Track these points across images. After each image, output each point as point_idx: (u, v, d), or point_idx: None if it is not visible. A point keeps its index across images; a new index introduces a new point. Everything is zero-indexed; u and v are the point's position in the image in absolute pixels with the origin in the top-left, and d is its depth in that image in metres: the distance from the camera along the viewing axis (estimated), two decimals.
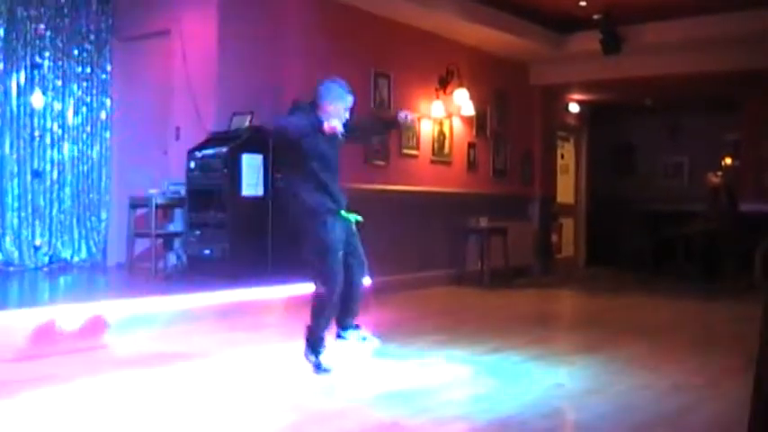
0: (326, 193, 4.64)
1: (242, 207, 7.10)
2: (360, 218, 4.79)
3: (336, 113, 4.67)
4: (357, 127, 4.99)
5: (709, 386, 4.46)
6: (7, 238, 7.75)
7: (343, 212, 4.68)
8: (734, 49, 9.60)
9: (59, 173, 8.19)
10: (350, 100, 4.78)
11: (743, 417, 2.59)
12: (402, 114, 4.97)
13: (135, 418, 3.66)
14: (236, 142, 7.14)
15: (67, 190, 8.25)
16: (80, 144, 8.37)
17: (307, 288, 5.98)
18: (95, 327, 5.16)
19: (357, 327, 4.91)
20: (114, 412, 3.74)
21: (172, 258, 7.63)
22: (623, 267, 12.46)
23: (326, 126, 4.52)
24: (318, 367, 4.57)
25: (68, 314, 5.09)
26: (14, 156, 7.84)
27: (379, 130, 5.62)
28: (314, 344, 4.60)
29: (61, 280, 7.49)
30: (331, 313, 4.68)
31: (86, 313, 5.16)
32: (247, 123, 7.38)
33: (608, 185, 13.89)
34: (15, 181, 7.84)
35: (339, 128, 4.55)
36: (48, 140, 8.10)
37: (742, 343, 3.45)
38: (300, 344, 4.66)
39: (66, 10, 8.17)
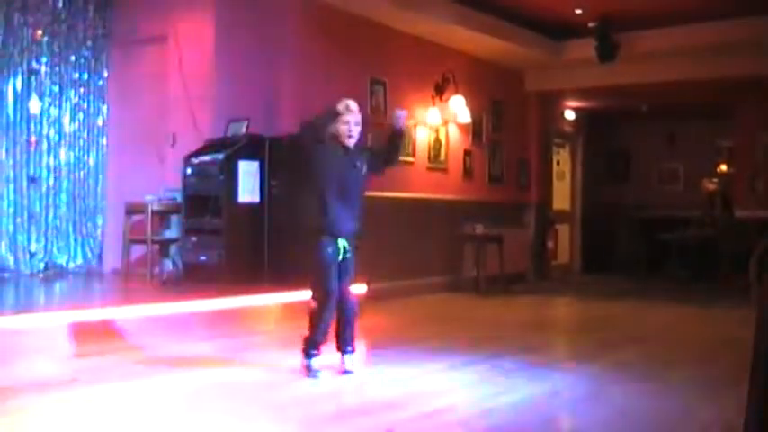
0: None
1: (238, 213, 7.10)
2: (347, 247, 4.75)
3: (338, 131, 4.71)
4: (374, 152, 5.04)
5: (705, 392, 4.47)
6: (2, 244, 7.73)
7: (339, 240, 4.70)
8: (728, 56, 9.64)
9: (55, 179, 8.18)
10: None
11: (738, 423, 2.60)
12: (396, 115, 4.95)
13: (129, 426, 3.66)
14: (232, 149, 7.15)
15: (63, 196, 8.24)
16: (76, 150, 8.37)
17: (302, 295, 5.99)
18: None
19: (349, 352, 4.82)
20: (113, 421, 3.73)
21: (168, 265, 7.63)
22: (619, 273, 12.49)
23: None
24: (308, 369, 4.64)
25: (67, 320, 5.08)
26: (10, 161, 7.83)
27: (389, 144, 5.13)
28: (307, 348, 4.69)
29: (57, 286, 7.48)
30: (325, 327, 4.69)
31: (73, 320, 5.16)
32: (244, 130, 7.39)
33: (604, 192, 13.92)
34: (11, 186, 7.83)
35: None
36: (44, 146, 8.09)
37: (738, 348, 3.46)
38: (297, 351, 4.67)
39: (63, 16, 8.17)
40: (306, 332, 4.70)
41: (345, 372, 4.73)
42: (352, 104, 4.77)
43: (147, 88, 8.25)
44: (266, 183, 7.25)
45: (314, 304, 4.70)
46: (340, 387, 4.51)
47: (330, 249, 4.67)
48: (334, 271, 4.67)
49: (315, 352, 4.68)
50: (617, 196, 14.02)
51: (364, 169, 4.82)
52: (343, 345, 4.80)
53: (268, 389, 4.43)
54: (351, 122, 4.72)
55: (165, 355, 5.16)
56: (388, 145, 5.02)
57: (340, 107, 4.72)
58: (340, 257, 4.70)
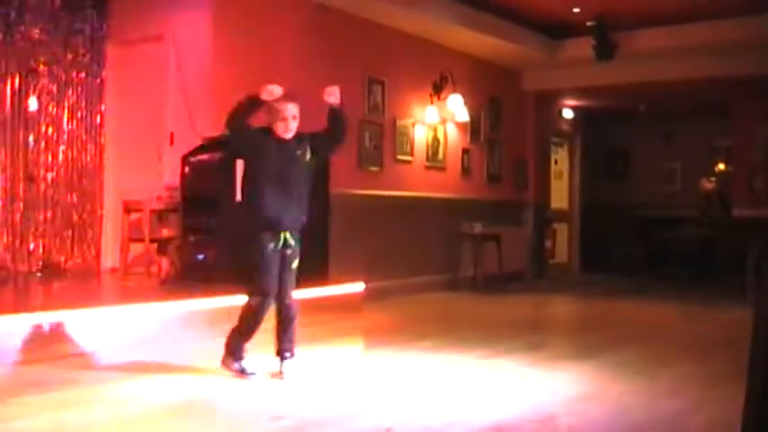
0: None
1: (236, 212, 7.08)
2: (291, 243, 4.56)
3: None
4: (317, 137, 4.68)
5: (703, 391, 4.47)
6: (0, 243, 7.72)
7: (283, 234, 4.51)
8: (725, 55, 9.66)
9: (53, 177, 8.16)
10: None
11: (737, 422, 2.60)
12: (327, 92, 4.55)
13: (122, 427, 3.66)
14: (230, 148, 7.12)
15: (61, 195, 8.22)
16: (74, 149, 8.35)
17: (302, 294, 5.98)
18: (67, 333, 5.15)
19: (288, 358, 4.64)
20: (105, 421, 3.73)
21: (166, 264, 7.62)
22: (617, 272, 12.50)
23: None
24: (243, 372, 4.53)
25: (60, 320, 5.07)
26: (8, 160, 7.82)
27: (331, 123, 4.66)
28: (235, 350, 4.58)
29: (55, 285, 7.47)
30: (255, 328, 4.56)
31: (70, 319, 5.15)
32: None
33: (602, 191, 13.93)
34: (9, 185, 7.81)
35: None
36: (42, 145, 8.08)
37: (736, 347, 3.47)
38: (293, 353, 4.66)
39: (60, 15, 8.16)
40: (231, 331, 4.57)
41: (282, 376, 4.55)
42: (288, 100, 4.50)
43: (145, 87, 8.24)
44: None
45: (253, 303, 4.53)
46: (338, 387, 4.50)
47: (271, 246, 4.50)
48: (274, 270, 4.51)
49: (244, 354, 4.56)
50: (615, 195, 14.04)
51: (307, 157, 4.58)
52: (282, 350, 4.61)
53: (262, 389, 4.43)
54: (289, 118, 4.49)
55: (160, 356, 5.14)
56: (330, 125, 4.65)
57: (276, 103, 4.45)
58: (280, 246, 4.49)
